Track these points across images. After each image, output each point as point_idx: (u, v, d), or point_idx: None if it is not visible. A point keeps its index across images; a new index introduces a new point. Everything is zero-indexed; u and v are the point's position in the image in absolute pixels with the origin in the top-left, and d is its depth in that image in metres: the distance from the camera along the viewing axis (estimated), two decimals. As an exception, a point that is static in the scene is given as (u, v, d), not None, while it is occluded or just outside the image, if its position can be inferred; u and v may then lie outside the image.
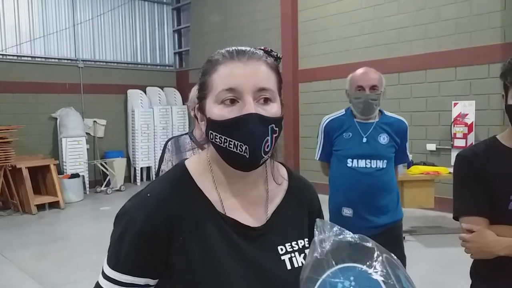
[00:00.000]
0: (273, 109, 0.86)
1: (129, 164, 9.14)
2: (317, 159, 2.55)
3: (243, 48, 0.89)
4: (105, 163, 8.27)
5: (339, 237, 0.88)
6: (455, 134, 5.63)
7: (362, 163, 2.29)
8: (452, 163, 1.56)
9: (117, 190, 8.21)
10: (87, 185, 8.21)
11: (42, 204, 6.79)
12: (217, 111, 0.85)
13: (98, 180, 8.60)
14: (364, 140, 2.31)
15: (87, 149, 8.25)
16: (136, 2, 9.76)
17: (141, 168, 9.10)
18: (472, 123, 5.50)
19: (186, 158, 0.98)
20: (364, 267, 0.83)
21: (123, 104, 9.28)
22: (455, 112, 5.65)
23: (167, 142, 2.35)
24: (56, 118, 8.19)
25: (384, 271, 0.82)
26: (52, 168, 6.91)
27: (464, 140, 5.52)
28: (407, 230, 4.83)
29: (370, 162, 2.28)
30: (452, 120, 5.65)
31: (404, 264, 2.23)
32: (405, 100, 6.18)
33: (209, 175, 0.92)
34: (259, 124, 0.83)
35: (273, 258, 0.90)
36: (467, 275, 1.55)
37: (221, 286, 0.84)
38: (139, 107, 8.98)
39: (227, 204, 0.90)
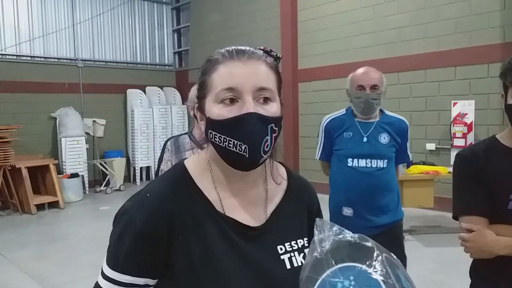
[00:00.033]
0: (272, 109, 0.86)
1: (128, 163, 9.13)
2: (318, 158, 2.55)
3: (243, 47, 0.89)
4: (105, 162, 8.27)
5: (339, 236, 0.88)
6: (454, 133, 5.63)
7: (362, 162, 2.28)
8: (452, 162, 1.56)
9: (117, 190, 8.21)
10: (87, 185, 8.20)
11: (41, 204, 6.79)
12: (217, 111, 0.85)
13: (97, 179, 8.60)
14: (365, 139, 2.30)
15: (87, 148, 8.24)
16: (136, 1, 9.76)
17: (141, 168, 9.10)
18: (471, 122, 5.50)
19: (186, 158, 0.98)
20: (364, 267, 0.83)
21: (122, 103, 9.28)
22: (454, 111, 5.65)
23: (166, 141, 2.35)
24: (56, 118, 8.18)
25: (384, 270, 0.82)
26: (52, 167, 6.91)
27: (464, 140, 5.52)
28: (407, 229, 4.83)
29: (371, 162, 2.27)
30: (452, 119, 5.66)
31: (405, 264, 2.23)
32: (404, 100, 6.18)
33: (209, 174, 0.92)
34: (259, 123, 0.83)
35: (273, 258, 0.90)
36: (467, 274, 1.55)
37: (221, 285, 0.84)
38: (138, 106, 8.97)
39: (227, 203, 0.90)
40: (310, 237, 0.95)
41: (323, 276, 0.83)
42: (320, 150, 2.50)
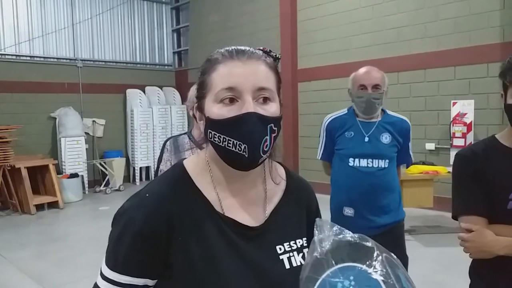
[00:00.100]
0: (272, 109, 0.86)
1: (128, 163, 9.13)
2: (319, 158, 2.54)
3: (243, 47, 0.89)
4: (104, 162, 8.26)
5: (339, 236, 0.88)
6: (454, 133, 5.63)
7: (363, 162, 2.27)
8: (451, 162, 1.56)
9: (116, 190, 8.20)
10: (86, 185, 8.20)
11: (41, 204, 6.78)
12: (216, 110, 0.85)
13: (97, 180, 8.59)
14: (366, 139, 2.29)
15: (86, 148, 8.24)
16: (135, 1, 9.75)
17: (140, 168, 9.10)
18: (471, 122, 5.51)
19: (185, 158, 0.98)
20: (364, 267, 0.83)
21: (122, 103, 9.28)
22: (454, 111, 5.65)
23: (165, 142, 2.34)
24: (55, 118, 8.18)
25: (384, 270, 0.82)
26: (51, 168, 6.90)
27: (463, 140, 5.52)
28: (406, 229, 4.82)
29: (372, 162, 2.26)
30: (451, 119, 5.66)
31: (407, 265, 2.23)
32: (404, 100, 6.18)
33: (208, 174, 0.92)
34: (258, 123, 0.83)
35: (272, 258, 0.90)
36: (466, 274, 1.55)
37: (220, 285, 0.84)
38: (138, 106, 8.97)
39: (226, 203, 0.90)
40: (309, 237, 0.95)
41: (323, 276, 0.83)
42: (322, 149, 2.49)
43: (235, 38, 8.27)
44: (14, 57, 7.98)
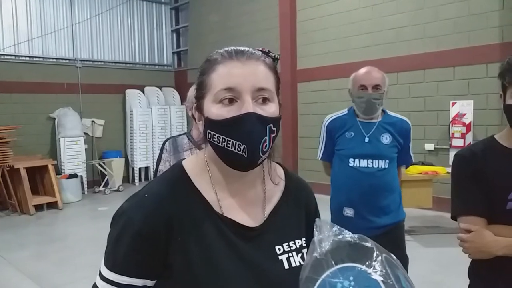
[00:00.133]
0: (271, 109, 0.86)
1: (127, 164, 9.12)
2: (319, 158, 2.54)
3: (242, 48, 0.89)
4: (103, 163, 8.26)
5: (339, 237, 0.88)
6: (453, 133, 5.64)
7: (364, 162, 2.27)
8: (450, 162, 1.56)
9: (116, 190, 8.20)
10: (85, 185, 8.19)
11: (40, 205, 6.77)
12: (216, 111, 0.85)
13: (96, 180, 8.58)
14: (366, 139, 2.29)
15: (85, 149, 8.23)
16: (135, 1, 9.75)
17: (140, 168, 9.09)
18: (470, 122, 5.51)
19: (184, 158, 0.98)
20: (364, 267, 0.83)
21: (121, 104, 9.27)
22: (453, 111, 5.66)
23: (164, 142, 2.34)
24: (54, 118, 8.17)
25: (384, 271, 0.82)
26: (50, 168, 6.89)
27: (462, 140, 5.53)
28: (405, 230, 4.82)
29: (372, 162, 2.26)
30: (450, 119, 5.67)
31: (407, 265, 2.22)
32: (403, 100, 6.19)
33: (207, 175, 0.92)
34: (258, 123, 0.83)
35: (271, 258, 0.90)
36: (466, 275, 1.55)
37: (219, 286, 0.84)
38: (137, 107, 8.97)
39: (225, 204, 0.90)
40: (308, 237, 0.95)
41: (323, 276, 0.83)
42: (322, 150, 2.49)
43: (235, 38, 8.27)
44: (13, 57, 7.97)
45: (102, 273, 0.86)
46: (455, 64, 5.72)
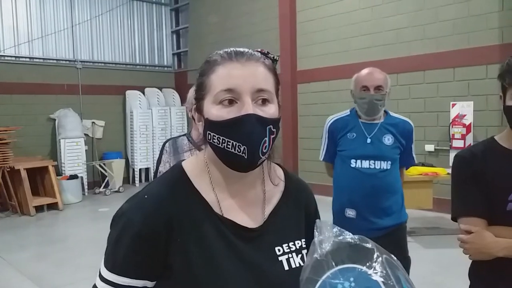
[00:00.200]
0: (271, 110, 0.86)
1: (127, 165, 9.12)
2: (321, 159, 2.53)
3: (242, 49, 0.89)
4: (104, 164, 8.26)
5: (339, 238, 0.88)
6: (453, 135, 5.64)
7: (366, 163, 2.26)
8: (451, 164, 1.56)
9: (116, 191, 8.20)
10: (86, 187, 8.19)
11: (40, 206, 6.77)
12: (215, 112, 0.85)
13: (96, 181, 8.58)
14: (368, 140, 2.28)
15: (86, 150, 8.23)
16: (135, 2, 9.76)
17: (140, 169, 9.09)
18: (470, 124, 5.51)
19: (184, 159, 0.98)
20: (364, 268, 0.83)
21: (121, 105, 9.28)
22: (453, 113, 5.66)
23: (164, 143, 2.34)
24: (55, 119, 8.18)
25: (384, 272, 0.82)
26: (51, 169, 6.90)
27: (463, 141, 5.53)
28: (406, 231, 4.83)
29: (374, 163, 2.25)
30: (451, 121, 5.67)
31: (409, 267, 2.22)
32: (403, 101, 6.19)
33: (206, 176, 0.92)
34: (258, 124, 0.83)
35: (271, 259, 0.90)
36: (466, 276, 1.55)
37: (219, 286, 0.84)
38: (137, 108, 8.97)
39: (225, 205, 0.90)
40: (308, 238, 0.95)
41: (323, 277, 0.83)
42: (324, 151, 2.48)
43: (235, 39, 8.27)
44: (13, 58, 7.98)
45: (102, 274, 0.86)
46: (455, 65, 5.72)
